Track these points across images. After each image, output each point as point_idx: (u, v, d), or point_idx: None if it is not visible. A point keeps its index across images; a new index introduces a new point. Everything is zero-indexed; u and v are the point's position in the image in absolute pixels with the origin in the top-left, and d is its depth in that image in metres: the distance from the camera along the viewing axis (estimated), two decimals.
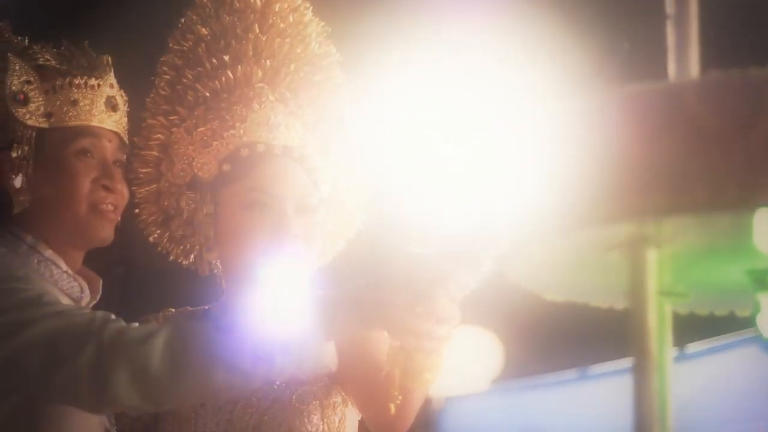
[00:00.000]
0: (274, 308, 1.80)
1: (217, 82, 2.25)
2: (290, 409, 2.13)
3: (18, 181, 2.10)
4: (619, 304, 1.40)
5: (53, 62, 2.17)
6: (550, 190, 1.19)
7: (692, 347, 4.44)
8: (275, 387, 2.15)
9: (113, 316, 1.92)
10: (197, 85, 2.26)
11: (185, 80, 2.28)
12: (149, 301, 2.42)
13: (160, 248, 2.34)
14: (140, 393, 1.85)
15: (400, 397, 1.88)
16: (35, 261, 2.11)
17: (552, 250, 1.26)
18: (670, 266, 1.28)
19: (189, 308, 2.31)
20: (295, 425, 2.12)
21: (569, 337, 4.80)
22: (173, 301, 2.35)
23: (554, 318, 4.91)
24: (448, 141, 1.37)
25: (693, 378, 4.37)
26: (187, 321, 1.86)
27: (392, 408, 1.90)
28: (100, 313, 1.92)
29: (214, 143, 2.22)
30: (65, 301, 2.11)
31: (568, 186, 1.18)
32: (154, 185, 2.28)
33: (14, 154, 2.10)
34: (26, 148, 2.10)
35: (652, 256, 1.21)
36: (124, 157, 2.23)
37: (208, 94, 2.25)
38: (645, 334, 1.24)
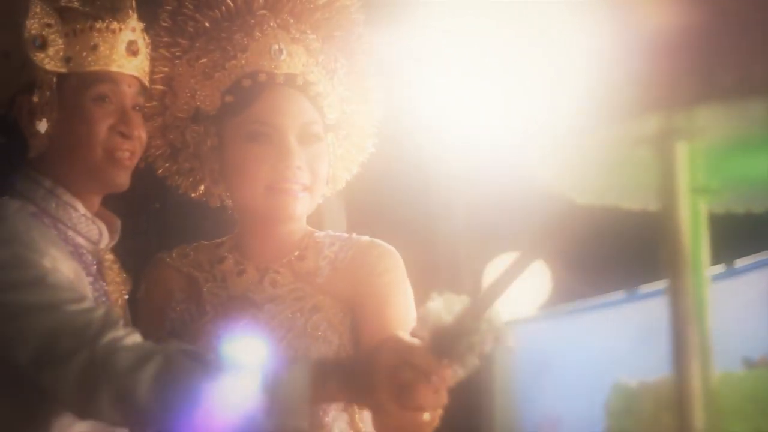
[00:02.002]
0: (264, 370, 1.82)
1: (217, 11, 2.21)
2: (306, 337, 2.13)
3: (42, 126, 2.08)
4: (653, 206, 1.37)
5: (76, 3, 2.14)
6: (576, 85, 1.16)
7: (741, 262, 4.37)
8: (289, 316, 2.14)
9: (113, 317, 1.91)
10: (197, 15, 2.23)
11: (186, 10, 2.24)
12: (183, 234, 2.41)
13: (169, 181, 2.32)
14: (122, 416, 1.90)
15: None
16: (53, 205, 2.09)
17: (581, 148, 1.23)
18: (702, 161, 1.24)
19: (204, 242, 2.30)
20: (311, 351, 2.12)
21: (617, 258, 4.75)
22: (204, 233, 2.34)
23: (602, 239, 4.86)
24: (467, 46, 1.33)
25: (743, 293, 4.32)
26: (181, 355, 1.85)
27: None
28: (99, 315, 1.92)
29: (216, 74, 2.19)
30: (79, 246, 2.09)
31: (595, 80, 1.14)
32: (160, 119, 2.25)
33: (36, 99, 2.08)
34: (48, 93, 2.08)
35: (682, 149, 1.17)
36: (144, 101, 2.20)
37: (208, 24, 2.22)
38: (678, 234, 1.20)
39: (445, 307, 1.72)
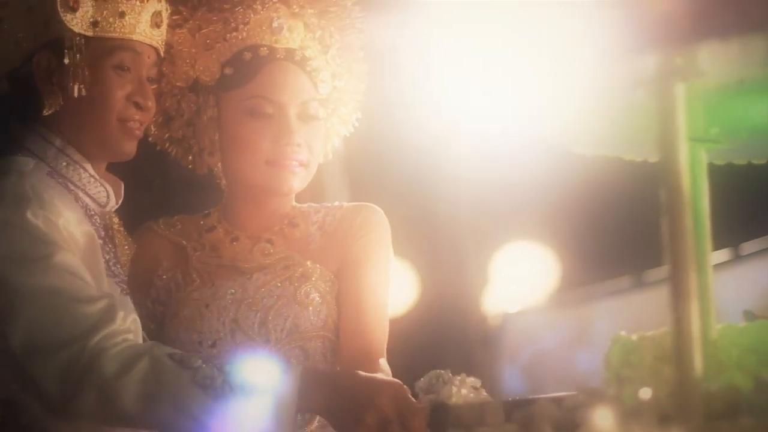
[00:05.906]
0: (250, 380, 1.83)
1: None
2: (295, 305, 2.14)
3: (75, 90, 2.07)
4: (653, 157, 1.35)
5: None
6: (573, 26, 1.15)
7: (747, 247, 4.34)
8: (278, 285, 2.15)
9: (113, 310, 1.89)
10: None
11: None
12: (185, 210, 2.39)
13: (158, 148, 2.31)
14: (104, 417, 1.88)
15: None
16: (63, 164, 2.08)
17: (579, 93, 1.22)
18: (701, 105, 1.23)
19: (186, 215, 2.29)
20: (300, 320, 2.13)
21: (623, 244, 4.73)
22: (199, 205, 2.33)
23: (607, 226, 4.85)
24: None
25: (752, 280, 4.30)
26: (168, 359, 1.85)
27: None
28: (97, 308, 1.89)
29: (217, 45, 2.21)
30: (88, 208, 2.08)
31: (591, 20, 1.13)
32: (155, 86, 2.25)
33: (66, 61, 2.07)
34: (78, 55, 2.08)
35: (680, 91, 1.16)
36: (156, 72, 2.20)
37: None
38: (677, 179, 1.19)
39: (458, 391, 1.77)
